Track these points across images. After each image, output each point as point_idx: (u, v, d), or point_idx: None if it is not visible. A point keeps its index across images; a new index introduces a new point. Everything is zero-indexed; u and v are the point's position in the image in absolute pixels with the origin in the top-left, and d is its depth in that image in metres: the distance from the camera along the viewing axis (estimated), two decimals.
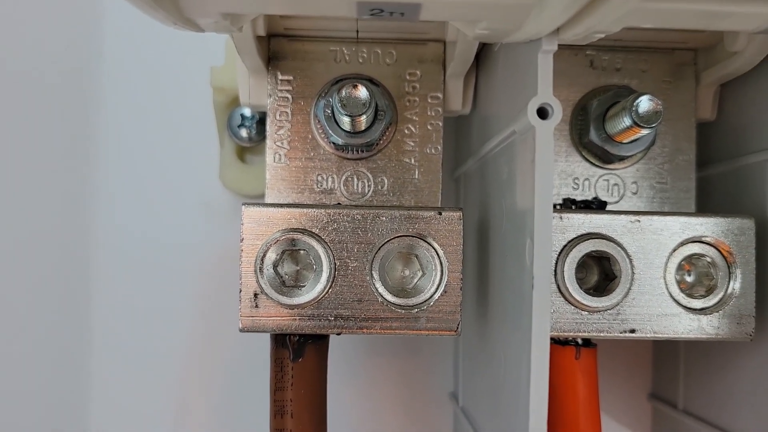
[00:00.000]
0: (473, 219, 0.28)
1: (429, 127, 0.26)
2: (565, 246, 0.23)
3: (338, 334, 0.22)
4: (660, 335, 0.23)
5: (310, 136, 0.26)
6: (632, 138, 0.24)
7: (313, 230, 0.22)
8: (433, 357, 0.35)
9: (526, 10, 0.17)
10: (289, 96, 0.26)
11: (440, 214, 0.22)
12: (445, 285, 0.22)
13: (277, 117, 0.26)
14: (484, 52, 0.26)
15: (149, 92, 0.35)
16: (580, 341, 0.24)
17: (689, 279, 0.24)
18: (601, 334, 0.23)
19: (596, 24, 0.17)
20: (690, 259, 0.23)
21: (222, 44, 0.32)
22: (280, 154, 0.26)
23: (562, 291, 0.23)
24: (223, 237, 0.34)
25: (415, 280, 0.22)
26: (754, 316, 0.23)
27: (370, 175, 0.26)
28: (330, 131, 0.24)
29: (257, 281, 0.22)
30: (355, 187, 0.26)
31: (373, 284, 0.22)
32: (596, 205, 0.26)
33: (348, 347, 0.35)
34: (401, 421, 0.35)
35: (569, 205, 0.26)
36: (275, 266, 0.22)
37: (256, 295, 0.22)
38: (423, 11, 0.18)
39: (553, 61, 0.19)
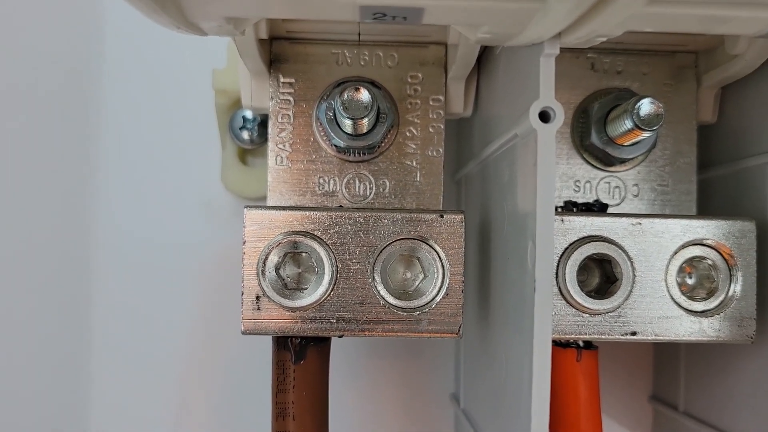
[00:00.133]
0: (475, 222, 0.28)
1: (430, 129, 0.26)
2: (566, 248, 0.23)
3: (340, 336, 0.22)
4: (661, 337, 0.23)
5: (312, 139, 0.26)
6: (633, 141, 0.24)
7: (315, 233, 0.22)
8: (435, 359, 0.35)
9: (529, 14, 0.17)
10: (291, 98, 0.26)
11: (442, 216, 0.22)
12: (447, 287, 0.22)
13: (279, 119, 0.26)
14: (485, 55, 0.27)
15: (151, 94, 0.35)
16: (581, 343, 0.24)
17: (690, 281, 0.24)
18: (603, 337, 0.23)
19: (598, 28, 0.17)
20: (691, 261, 0.24)
21: (224, 47, 0.32)
22: (281, 157, 0.26)
23: (563, 293, 0.23)
24: (225, 239, 0.34)
25: (417, 283, 0.22)
26: (755, 319, 0.23)
27: (371, 178, 0.26)
28: (332, 134, 0.24)
29: (259, 284, 0.22)
30: (357, 190, 0.26)
31: (375, 287, 0.22)
32: (597, 208, 0.26)
33: (349, 349, 0.35)
34: (402, 423, 0.35)
35: (570, 207, 0.26)
36: (277, 269, 0.22)
37: (258, 297, 0.22)
38: (426, 15, 0.18)
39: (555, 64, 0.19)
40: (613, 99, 0.25)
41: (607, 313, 0.23)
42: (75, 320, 0.34)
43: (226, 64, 0.32)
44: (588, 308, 0.23)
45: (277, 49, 0.26)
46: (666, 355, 0.33)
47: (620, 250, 0.23)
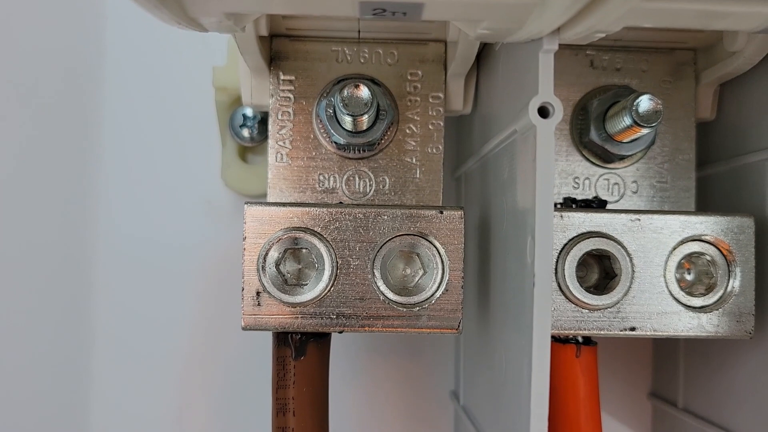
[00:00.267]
0: (474, 218, 0.28)
1: (430, 126, 0.26)
2: (565, 244, 0.23)
3: (340, 332, 0.22)
4: (660, 333, 0.23)
5: (312, 136, 0.26)
6: (632, 137, 0.24)
7: (316, 229, 0.22)
8: (434, 355, 0.35)
9: (528, 9, 0.17)
10: (291, 96, 0.26)
11: (442, 213, 0.22)
12: (447, 283, 0.22)
13: (279, 117, 0.26)
14: (484, 52, 0.27)
15: (151, 92, 0.35)
16: (580, 339, 0.24)
17: (689, 277, 0.24)
18: (602, 332, 0.23)
19: (597, 23, 0.17)
20: (690, 257, 0.24)
21: (224, 44, 0.32)
22: (282, 154, 0.26)
23: (562, 289, 0.23)
24: (225, 236, 0.35)
25: (417, 279, 0.22)
26: (753, 314, 0.23)
27: (371, 175, 0.26)
28: (332, 131, 0.24)
29: (259, 280, 0.22)
30: (357, 187, 0.26)
31: (375, 282, 0.22)
32: (596, 204, 0.26)
33: (349, 346, 0.35)
34: (402, 420, 0.35)
35: (570, 204, 0.26)
36: (277, 265, 0.22)
37: (258, 293, 0.22)
38: (425, 11, 0.18)
39: (554, 60, 0.19)
40: (612, 96, 0.25)
41: (606, 308, 0.23)
42: (75, 318, 0.34)
43: (226, 62, 0.32)
44: (587, 304, 0.23)
45: (278, 47, 0.26)
46: (665, 352, 0.33)
47: (619, 246, 0.23)
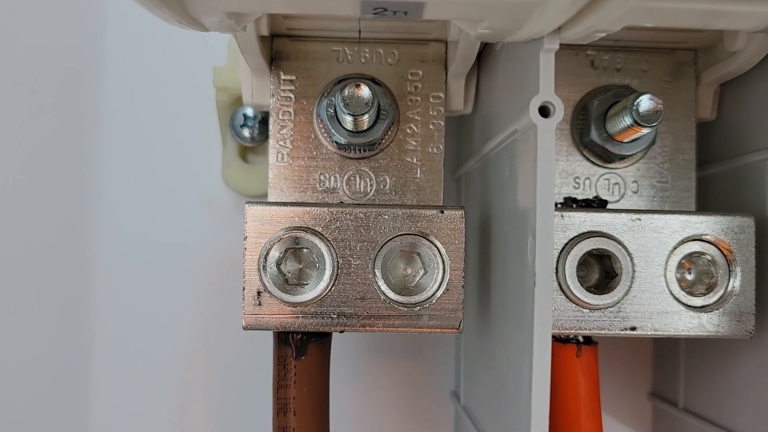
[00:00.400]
0: (475, 218, 0.28)
1: (431, 126, 0.26)
2: (566, 244, 0.23)
3: (341, 331, 0.22)
4: (660, 333, 0.23)
5: (313, 136, 0.26)
6: (633, 137, 0.24)
7: (316, 228, 0.22)
8: (435, 355, 0.35)
9: (529, 8, 0.17)
10: (292, 95, 0.26)
11: (442, 212, 0.22)
12: (447, 283, 0.22)
13: (280, 116, 0.26)
14: (485, 52, 0.27)
15: (152, 92, 0.35)
16: (581, 339, 0.24)
17: (689, 277, 0.24)
18: (602, 332, 0.23)
19: (598, 23, 0.17)
20: (690, 257, 0.24)
21: (224, 44, 0.32)
22: (282, 154, 0.26)
23: (563, 289, 0.23)
24: (226, 236, 0.35)
25: (418, 278, 0.22)
26: (754, 314, 0.23)
27: (372, 175, 0.26)
28: (332, 130, 0.24)
29: (260, 279, 0.22)
30: (358, 187, 0.26)
31: (376, 282, 0.22)
32: (597, 204, 0.26)
33: (350, 346, 0.35)
34: (403, 420, 0.35)
35: (570, 204, 0.26)
36: (278, 264, 0.22)
37: (259, 293, 0.22)
38: (426, 10, 0.18)
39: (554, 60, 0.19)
40: (613, 96, 0.25)
41: (607, 308, 0.23)
42: (75, 318, 0.34)
43: (227, 62, 0.32)
44: (588, 303, 0.23)
45: (278, 47, 0.26)
46: (665, 352, 0.33)
47: (620, 246, 0.23)
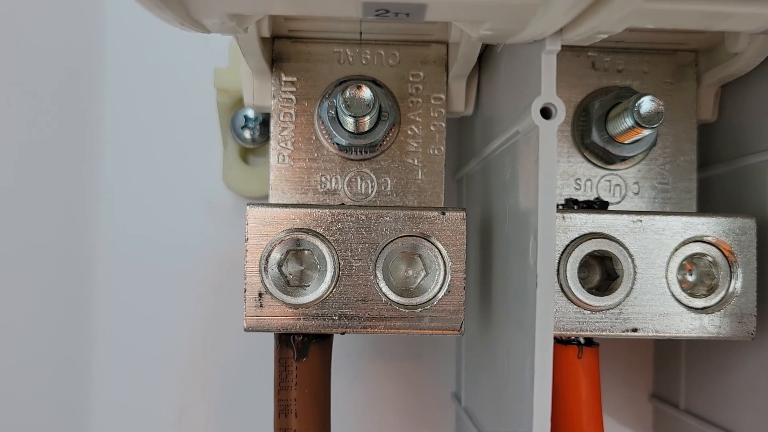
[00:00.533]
0: (476, 219, 0.28)
1: (432, 128, 0.26)
2: (567, 246, 0.23)
3: (342, 333, 0.22)
4: (662, 334, 0.23)
5: (314, 137, 0.26)
6: (634, 138, 0.24)
7: (318, 230, 0.22)
8: (436, 357, 0.35)
9: (531, 10, 0.17)
10: (293, 97, 0.26)
11: (443, 214, 0.22)
12: (449, 284, 0.22)
13: (281, 118, 0.26)
14: (486, 54, 0.27)
15: (152, 93, 0.35)
16: (582, 340, 0.24)
17: (691, 278, 0.24)
18: (604, 333, 0.23)
19: (599, 24, 0.17)
20: (691, 258, 0.24)
21: (226, 45, 0.32)
22: (283, 155, 0.26)
23: (564, 290, 0.23)
24: (226, 238, 0.35)
25: (419, 280, 0.22)
26: (755, 315, 0.23)
27: (373, 176, 0.26)
28: (334, 132, 0.24)
29: (262, 281, 0.22)
30: (359, 188, 0.26)
31: (377, 284, 0.22)
32: (598, 206, 0.26)
33: (351, 348, 0.35)
34: (404, 422, 0.35)
35: (571, 205, 0.26)
36: (280, 266, 0.22)
37: (260, 294, 0.22)
38: (428, 12, 0.18)
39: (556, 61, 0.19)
40: (614, 97, 0.25)
41: (608, 309, 0.23)
42: (76, 319, 0.34)
43: (228, 63, 0.32)
44: (589, 305, 0.23)
45: (279, 48, 0.26)
46: (666, 353, 0.33)
47: (621, 247, 0.23)
